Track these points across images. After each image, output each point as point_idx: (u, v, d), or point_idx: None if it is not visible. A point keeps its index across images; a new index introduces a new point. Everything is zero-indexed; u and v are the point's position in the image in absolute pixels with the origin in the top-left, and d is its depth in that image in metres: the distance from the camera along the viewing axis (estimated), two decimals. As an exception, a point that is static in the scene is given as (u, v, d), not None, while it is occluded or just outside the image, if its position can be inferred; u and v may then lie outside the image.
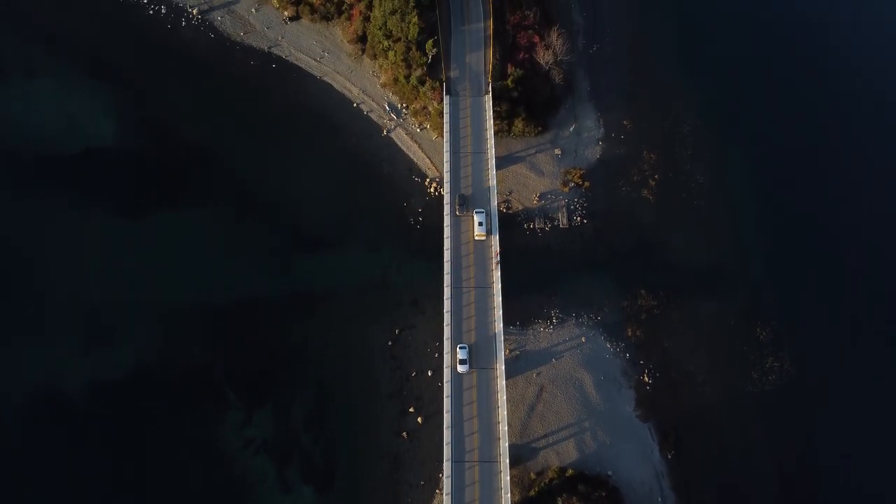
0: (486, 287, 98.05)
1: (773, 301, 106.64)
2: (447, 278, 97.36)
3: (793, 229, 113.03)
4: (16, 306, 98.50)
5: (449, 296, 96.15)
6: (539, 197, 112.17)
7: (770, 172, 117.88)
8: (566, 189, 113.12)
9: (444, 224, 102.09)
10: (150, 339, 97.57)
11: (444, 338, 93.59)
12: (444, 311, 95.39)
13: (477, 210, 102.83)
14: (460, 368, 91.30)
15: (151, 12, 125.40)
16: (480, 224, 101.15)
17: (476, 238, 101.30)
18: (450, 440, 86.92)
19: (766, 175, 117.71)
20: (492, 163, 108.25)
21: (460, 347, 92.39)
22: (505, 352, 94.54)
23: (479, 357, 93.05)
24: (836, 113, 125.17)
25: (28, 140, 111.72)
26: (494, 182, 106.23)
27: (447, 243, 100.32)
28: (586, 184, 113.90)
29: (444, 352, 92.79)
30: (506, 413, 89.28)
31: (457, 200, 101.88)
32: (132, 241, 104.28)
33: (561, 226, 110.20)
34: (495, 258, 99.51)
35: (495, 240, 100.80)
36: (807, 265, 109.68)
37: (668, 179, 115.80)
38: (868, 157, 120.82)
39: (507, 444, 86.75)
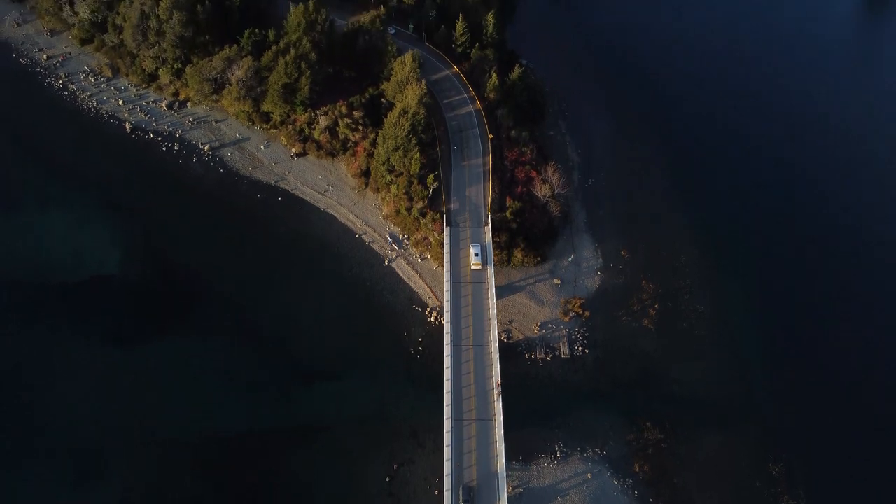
0: (487, 419, 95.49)
1: (783, 434, 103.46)
2: (447, 410, 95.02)
3: (797, 360, 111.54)
4: (6, 436, 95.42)
5: (449, 429, 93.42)
6: (540, 326, 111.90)
7: (769, 302, 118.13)
8: (567, 318, 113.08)
9: (445, 353, 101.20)
10: (142, 471, 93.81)
11: (444, 474, 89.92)
12: (445, 445, 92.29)
13: (476, 344, 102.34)
14: None
15: (165, 149, 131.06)
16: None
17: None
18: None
19: (765, 305, 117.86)
20: (492, 292, 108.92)
21: (462, 491, 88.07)
22: (508, 489, 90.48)
23: (482, 495, 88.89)
24: (834, 243, 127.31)
25: (35, 269, 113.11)
26: (495, 311, 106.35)
27: (447, 373, 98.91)
28: (587, 313, 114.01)
29: (445, 489, 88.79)
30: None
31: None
32: (129, 372, 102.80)
33: (562, 356, 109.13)
34: (497, 389, 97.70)
35: (496, 369, 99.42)
36: (815, 396, 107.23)
37: (668, 309, 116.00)
38: (869, 285, 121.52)
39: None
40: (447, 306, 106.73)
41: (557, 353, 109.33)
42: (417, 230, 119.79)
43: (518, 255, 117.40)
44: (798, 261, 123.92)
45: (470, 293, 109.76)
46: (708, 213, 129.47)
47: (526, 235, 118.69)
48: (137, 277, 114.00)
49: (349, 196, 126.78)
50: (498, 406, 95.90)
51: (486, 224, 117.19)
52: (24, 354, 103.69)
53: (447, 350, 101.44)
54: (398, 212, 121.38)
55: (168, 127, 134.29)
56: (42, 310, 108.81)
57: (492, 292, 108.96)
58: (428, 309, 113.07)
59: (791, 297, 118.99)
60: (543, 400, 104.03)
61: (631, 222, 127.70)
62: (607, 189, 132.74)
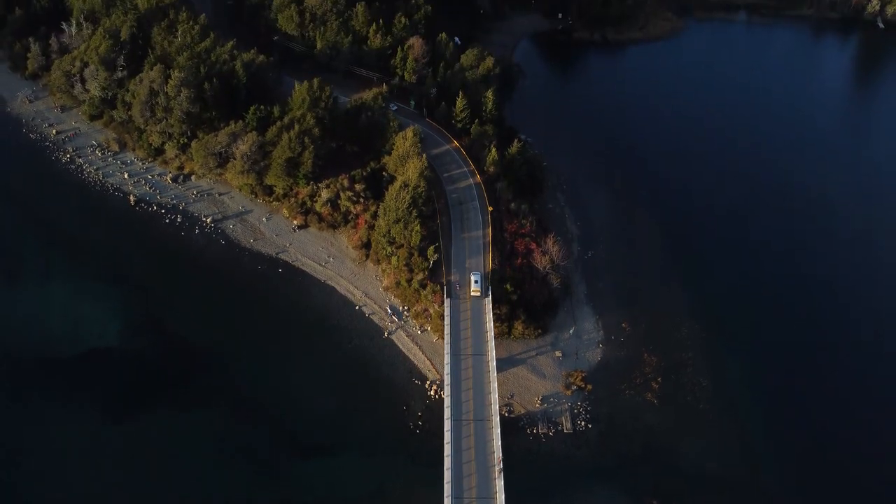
0: (488, 498, 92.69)
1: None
2: (447, 488, 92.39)
3: (803, 434, 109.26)
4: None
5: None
6: (541, 400, 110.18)
7: (772, 374, 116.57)
8: (569, 392, 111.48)
9: (445, 429, 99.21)
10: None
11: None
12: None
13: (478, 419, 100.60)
14: None
15: (167, 221, 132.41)
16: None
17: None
18: None
19: (768, 377, 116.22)
20: (492, 365, 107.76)
21: None
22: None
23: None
24: (835, 313, 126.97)
25: (32, 340, 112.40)
26: (495, 385, 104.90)
27: (447, 449, 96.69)
28: (589, 387, 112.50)
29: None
30: None
31: None
32: (123, 446, 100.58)
33: (565, 430, 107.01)
34: (498, 466, 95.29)
35: (497, 445, 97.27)
36: (822, 472, 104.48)
37: (670, 382, 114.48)
38: (871, 354, 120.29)
39: None
40: (447, 379, 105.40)
41: (560, 428, 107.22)
42: (417, 302, 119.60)
43: (518, 327, 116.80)
44: (798, 331, 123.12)
45: (470, 366, 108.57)
46: (707, 285, 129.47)
47: (526, 307, 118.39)
48: (136, 350, 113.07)
49: (350, 268, 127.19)
50: (499, 484, 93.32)
51: (487, 296, 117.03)
52: (16, 427, 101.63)
53: (447, 425, 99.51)
54: (398, 283, 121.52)
55: (172, 199, 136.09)
56: (37, 382, 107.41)
57: (492, 365, 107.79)
58: (428, 382, 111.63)
59: (793, 369, 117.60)
60: (546, 477, 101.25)
61: (631, 294, 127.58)
62: (607, 261, 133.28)
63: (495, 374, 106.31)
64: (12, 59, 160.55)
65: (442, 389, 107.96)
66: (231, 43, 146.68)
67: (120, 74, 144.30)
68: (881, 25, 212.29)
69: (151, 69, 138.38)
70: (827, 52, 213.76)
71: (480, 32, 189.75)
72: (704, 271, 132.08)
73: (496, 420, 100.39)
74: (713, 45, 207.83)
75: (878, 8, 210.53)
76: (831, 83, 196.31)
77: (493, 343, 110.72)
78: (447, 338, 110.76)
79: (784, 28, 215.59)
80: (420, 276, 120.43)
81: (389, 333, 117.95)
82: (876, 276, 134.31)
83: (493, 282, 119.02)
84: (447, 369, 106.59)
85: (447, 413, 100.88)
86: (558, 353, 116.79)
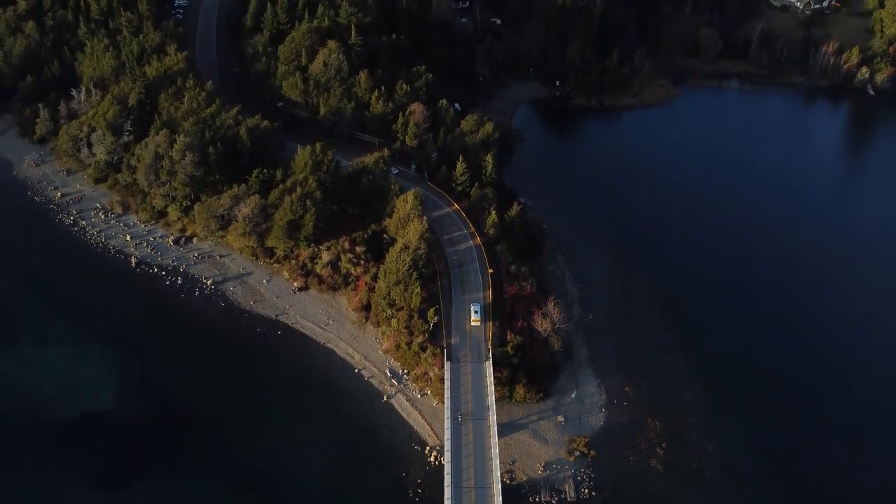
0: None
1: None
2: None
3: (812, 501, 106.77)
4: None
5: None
6: (544, 466, 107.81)
7: (778, 441, 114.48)
8: (571, 458, 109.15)
9: (445, 497, 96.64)
10: None
11: None
12: None
13: None
14: None
15: (168, 283, 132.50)
16: None
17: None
18: None
19: (774, 444, 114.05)
20: (494, 430, 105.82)
21: None
22: None
23: None
24: (837, 378, 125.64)
25: (28, 403, 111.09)
26: (496, 451, 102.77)
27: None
28: (592, 453, 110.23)
29: None
30: None
31: None
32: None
33: (568, 498, 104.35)
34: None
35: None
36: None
37: (675, 448, 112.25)
38: (875, 419, 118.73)
39: None
40: (447, 445, 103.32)
41: (563, 496, 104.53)
42: (417, 365, 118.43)
43: (520, 391, 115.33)
44: (799, 394, 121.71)
45: (471, 431, 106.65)
46: (707, 348, 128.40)
47: (527, 371, 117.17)
48: (131, 414, 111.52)
49: (349, 330, 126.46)
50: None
51: (487, 359, 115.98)
52: (4, 493, 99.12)
53: (447, 493, 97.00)
54: (398, 346, 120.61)
55: (173, 261, 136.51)
56: (28, 446, 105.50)
57: (493, 430, 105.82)
58: (428, 448, 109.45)
59: (797, 433, 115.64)
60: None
61: (633, 357, 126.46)
62: (608, 324, 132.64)
63: (496, 440, 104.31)
64: (21, 124, 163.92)
65: (442, 455, 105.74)
66: (236, 109, 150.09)
67: (126, 139, 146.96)
68: (872, 93, 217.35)
69: (157, 134, 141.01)
70: (819, 119, 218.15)
71: (480, 99, 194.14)
72: (704, 334, 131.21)
73: (498, 488, 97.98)
74: (707, 112, 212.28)
75: (867, 76, 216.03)
76: (824, 149, 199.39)
77: (495, 407, 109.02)
78: (447, 402, 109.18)
79: (776, 95, 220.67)
80: (420, 339, 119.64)
81: (389, 397, 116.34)
82: (870, 337, 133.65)
83: (493, 345, 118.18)
84: (447, 434, 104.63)
85: (447, 480, 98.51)
86: (560, 418, 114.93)
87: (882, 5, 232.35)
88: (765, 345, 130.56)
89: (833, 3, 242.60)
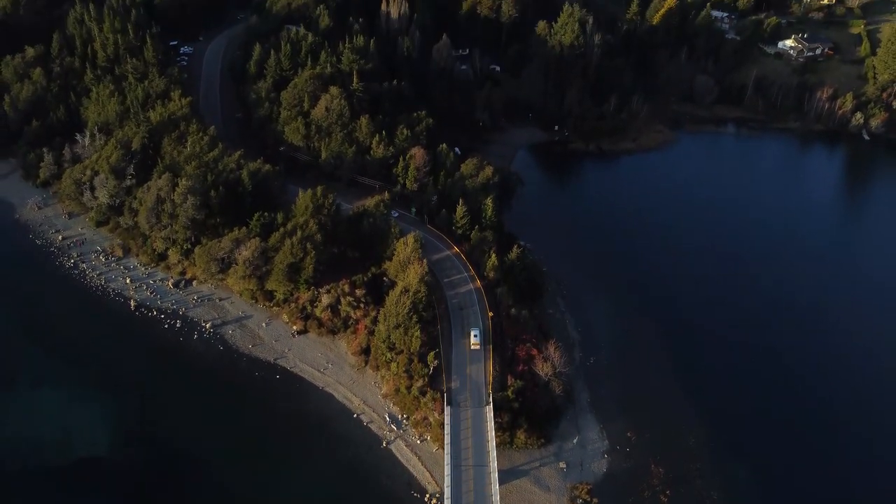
0: None
1: None
2: None
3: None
4: None
5: None
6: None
7: (784, 488, 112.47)
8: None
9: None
10: None
11: None
12: None
13: None
14: None
15: (167, 326, 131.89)
16: None
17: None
18: None
19: (780, 491, 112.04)
20: (494, 476, 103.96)
21: None
22: None
23: None
24: (840, 425, 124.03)
25: (21, 448, 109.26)
26: (497, 498, 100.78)
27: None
28: (595, 500, 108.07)
29: None
30: None
31: None
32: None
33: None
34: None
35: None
36: None
37: (680, 495, 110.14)
38: (877, 467, 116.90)
39: None
40: (447, 492, 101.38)
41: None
42: (417, 410, 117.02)
43: (521, 436, 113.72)
44: (806, 440, 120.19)
45: (471, 478, 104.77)
46: (711, 392, 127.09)
47: (528, 416, 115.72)
48: (127, 460, 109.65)
49: (348, 374, 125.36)
50: None
51: (488, 404, 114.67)
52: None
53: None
54: (398, 390, 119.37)
55: (172, 305, 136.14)
56: (21, 493, 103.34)
57: (494, 476, 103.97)
58: (427, 495, 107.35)
59: (806, 480, 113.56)
60: None
61: (635, 401, 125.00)
62: (609, 367, 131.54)
63: (497, 487, 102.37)
64: (25, 167, 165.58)
65: (442, 503, 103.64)
66: (239, 153, 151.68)
67: (129, 182, 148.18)
68: (867, 137, 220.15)
69: (160, 177, 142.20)
70: (816, 163, 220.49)
71: (480, 143, 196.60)
72: (707, 378, 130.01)
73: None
74: (705, 156, 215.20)
75: (862, 121, 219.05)
76: (822, 193, 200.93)
77: (495, 453, 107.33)
78: (447, 447, 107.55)
79: (772, 139, 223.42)
80: (420, 383, 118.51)
81: (388, 443, 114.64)
82: (874, 379, 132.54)
83: (494, 389, 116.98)
84: (447, 481, 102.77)
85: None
86: (562, 464, 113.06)
87: (874, 53, 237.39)
88: (769, 389, 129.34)
89: (826, 50, 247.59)
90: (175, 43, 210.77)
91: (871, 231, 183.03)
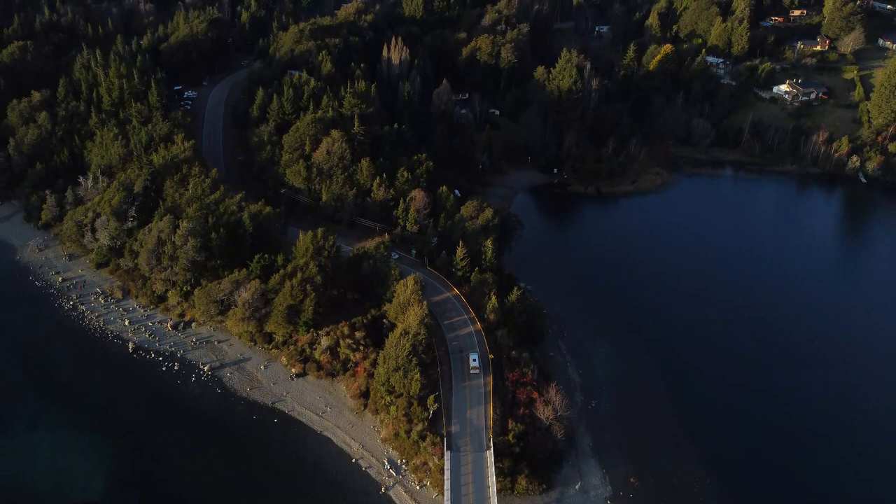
0: None
1: None
2: None
3: None
4: None
5: None
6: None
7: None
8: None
9: None
10: None
11: None
12: None
13: None
14: None
15: (164, 368, 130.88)
16: None
17: None
18: None
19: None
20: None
21: None
22: None
23: None
24: (845, 465, 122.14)
25: (13, 493, 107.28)
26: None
27: None
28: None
29: None
30: None
31: None
32: None
33: None
34: None
35: None
36: None
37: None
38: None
39: None
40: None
41: None
42: (417, 455, 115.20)
43: (522, 482, 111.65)
44: (812, 483, 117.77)
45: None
46: (715, 435, 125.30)
47: (530, 461, 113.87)
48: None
49: (347, 418, 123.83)
50: None
51: (488, 448, 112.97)
52: None
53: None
54: (397, 435, 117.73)
55: (170, 347, 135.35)
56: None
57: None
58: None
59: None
60: None
61: (638, 446, 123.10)
62: (611, 411, 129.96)
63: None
64: (27, 209, 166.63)
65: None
66: (240, 195, 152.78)
67: (130, 224, 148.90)
68: (863, 180, 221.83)
69: (161, 219, 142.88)
70: (814, 205, 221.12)
71: (480, 185, 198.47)
72: (709, 422, 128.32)
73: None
74: (703, 198, 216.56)
75: (858, 164, 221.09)
76: (820, 234, 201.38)
77: (496, 499, 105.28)
78: (447, 494, 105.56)
79: (769, 182, 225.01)
80: (419, 427, 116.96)
81: (387, 489, 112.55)
82: (877, 422, 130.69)
83: (494, 433, 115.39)
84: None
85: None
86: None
87: (867, 98, 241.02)
88: (770, 430, 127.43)
89: (820, 95, 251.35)
90: (179, 87, 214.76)
91: (870, 273, 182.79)
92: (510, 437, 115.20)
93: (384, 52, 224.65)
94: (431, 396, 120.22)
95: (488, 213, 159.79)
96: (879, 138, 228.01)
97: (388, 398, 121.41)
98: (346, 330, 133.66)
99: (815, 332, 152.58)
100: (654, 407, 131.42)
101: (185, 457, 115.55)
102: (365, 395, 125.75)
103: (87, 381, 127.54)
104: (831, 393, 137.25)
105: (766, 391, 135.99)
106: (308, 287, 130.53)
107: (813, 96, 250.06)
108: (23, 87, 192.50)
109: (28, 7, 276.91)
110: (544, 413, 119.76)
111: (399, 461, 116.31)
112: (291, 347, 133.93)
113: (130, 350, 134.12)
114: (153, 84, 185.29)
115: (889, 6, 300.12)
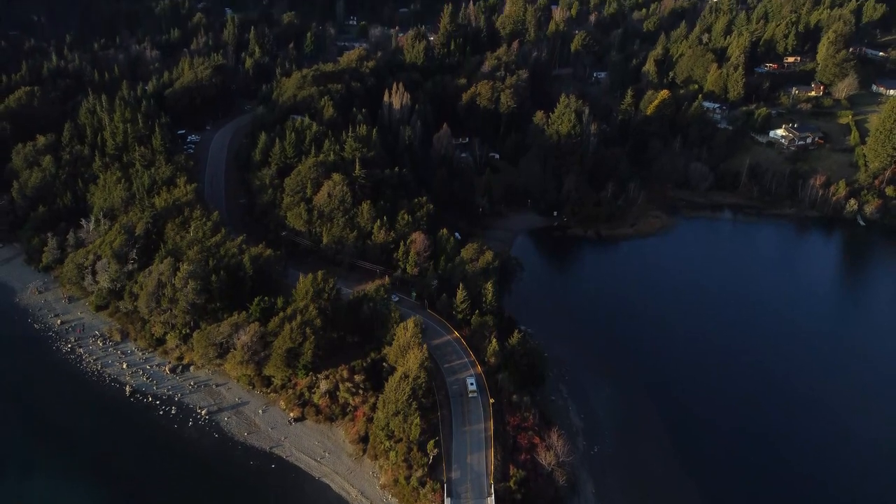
0: None
1: None
2: None
3: None
4: None
5: None
6: None
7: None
8: None
9: None
10: None
11: None
12: None
13: None
14: None
15: (161, 413, 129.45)
16: None
17: None
18: None
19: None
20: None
21: None
22: None
23: None
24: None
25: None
26: None
27: None
28: None
29: None
30: None
31: None
32: None
33: None
34: None
35: None
36: None
37: None
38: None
39: None
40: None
41: None
42: (416, 501, 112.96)
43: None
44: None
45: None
46: (719, 479, 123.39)
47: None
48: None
49: (346, 463, 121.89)
50: None
51: (490, 495, 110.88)
52: None
53: None
54: (396, 481, 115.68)
55: (168, 390, 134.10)
56: None
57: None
58: None
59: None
60: None
61: (641, 492, 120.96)
62: (614, 456, 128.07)
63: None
64: (28, 252, 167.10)
65: None
66: (241, 238, 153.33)
67: (130, 267, 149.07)
68: (862, 223, 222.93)
69: (162, 262, 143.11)
70: (813, 248, 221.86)
71: (480, 228, 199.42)
72: (713, 465, 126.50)
73: None
74: (702, 241, 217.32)
75: (856, 207, 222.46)
76: (820, 277, 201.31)
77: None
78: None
79: (768, 225, 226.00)
80: (419, 473, 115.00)
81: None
82: (872, 463, 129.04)
83: (495, 479, 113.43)
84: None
85: None
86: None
87: (863, 142, 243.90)
88: (771, 475, 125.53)
89: (816, 139, 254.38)
90: (183, 132, 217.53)
91: (869, 316, 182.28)
92: (511, 483, 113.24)
93: (385, 98, 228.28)
94: (431, 441, 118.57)
95: (488, 255, 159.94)
96: (876, 182, 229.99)
97: (387, 443, 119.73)
98: (345, 373, 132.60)
99: (814, 376, 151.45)
100: (655, 451, 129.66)
101: (181, 503, 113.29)
102: (364, 439, 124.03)
103: (83, 425, 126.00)
104: (830, 437, 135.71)
105: (765, 435, 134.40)
106: (308, 330, 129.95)
107: (809, 140, 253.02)
108: (29, 131, 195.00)
109: (37, 54, 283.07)
110: (546, 458, 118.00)
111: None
112: (290, 391, 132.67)
113: (128, 393, 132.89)
114: (157, 128, 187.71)
115: (881, 53, 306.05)
